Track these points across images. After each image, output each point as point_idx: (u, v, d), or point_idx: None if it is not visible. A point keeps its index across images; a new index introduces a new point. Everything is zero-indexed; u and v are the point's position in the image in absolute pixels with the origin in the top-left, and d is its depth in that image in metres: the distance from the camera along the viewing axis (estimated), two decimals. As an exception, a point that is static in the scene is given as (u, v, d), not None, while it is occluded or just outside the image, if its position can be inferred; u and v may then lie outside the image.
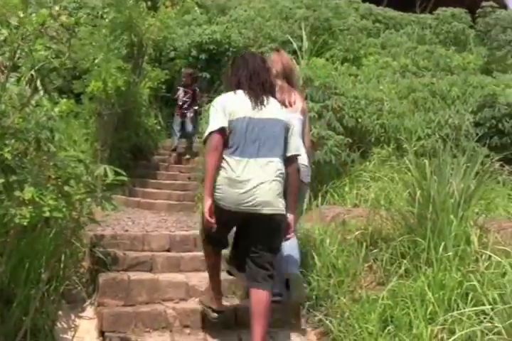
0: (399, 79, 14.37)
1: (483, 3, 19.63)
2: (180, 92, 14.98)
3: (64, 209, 4.95)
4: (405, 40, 18.93)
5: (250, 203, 5.14)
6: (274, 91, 5.68)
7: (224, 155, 5.21)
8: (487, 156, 10.20)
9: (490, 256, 5.90)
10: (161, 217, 9.72)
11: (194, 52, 16.29)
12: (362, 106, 11.10)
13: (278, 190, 5.23)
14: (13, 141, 4.97)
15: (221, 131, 5.19)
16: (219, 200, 5.21)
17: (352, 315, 5.83)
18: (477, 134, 11.61)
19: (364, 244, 6.90)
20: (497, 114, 11.81)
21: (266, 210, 5.17)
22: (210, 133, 5.20)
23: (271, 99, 5.49)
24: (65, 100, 5.94)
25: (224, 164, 5.21)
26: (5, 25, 5.14)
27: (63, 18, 5.23)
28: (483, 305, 5.27)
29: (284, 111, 5.60)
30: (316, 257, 6.81)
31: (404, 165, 8.37)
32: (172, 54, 16.56)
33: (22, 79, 5.58)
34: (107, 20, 13.09)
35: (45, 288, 5.55)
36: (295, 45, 14.92)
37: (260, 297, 5.27)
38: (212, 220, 5.13)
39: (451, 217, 6.25)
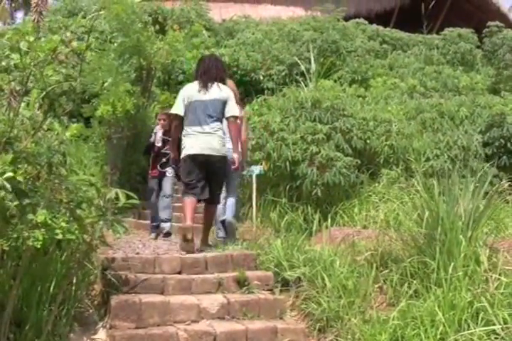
0: (407, 100, 14.41)
1: (490, 23, 19.64)
2: (158, 139, 10.53)
3: (76, 232, 5.00)
4: (413, 60, 18.99)
5: (204, 151, 8.12)
6: (222, 79, 8.54)
7: (184, 126, 8.35)
8: (496, 176, 10.23)
9: (500, 276, 5.92)
10: (171, 239, 9.74)
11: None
12: (370, 127, 11.12)
13: (220, 141, 8.23)
14: (25, 165, 5.03)
15: (180, 113, 8.38)
16: (187, 150, 8.23)
17: (363, 335, 5.83)
18: (486, 154, 11.63)
19: (374, 264, 6.93)
20: (505, 134, 11.82)
21: (215, 153, 8.17)
22: (176, 115, 8.50)
23: (214, 85, 8.30)
24: (75, 124, 6.00)
25: (186, 130, 8.31)
26: (16, 51, 5.22)
27: (74, 44, 5.30)
28: (494, 325, 5.29)
29: (222, 92, 8.29)
30: (326, 278, 6.83)
31: (413, 186, 8.40)
32: (181, 77, 16.63)
33: (33, 103, 5.63)
34: (115, 44, 13.19)
35: (57, 310, 5.58)
36: (303, 67, 15.05)
37: (211, 210, 8.66)
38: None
39: (460, 237, 6.27)
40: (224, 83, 8.51)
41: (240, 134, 8.82)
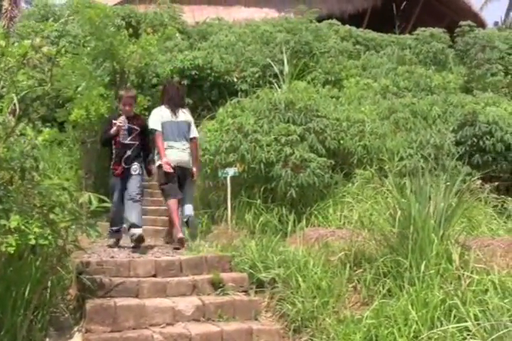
0: (380, 100, 14.43)
1: (462, 23, 19.74)
2: (123, 128, 9.28)
3: (50, 237, 5.01)
4: (385, 61, 19.01)
5: (180, 163, 9.48)
6: (183, 106, 10.13)
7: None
8: (469, 174, 10.30)
9: (472, 273, 5.99)
10: (146, 242, 9.74)
11: (176, 78, 16.35)
12: (344, 127, 11.15)
13: (189, 157, 9.65)
14: (-3, 170, 5.03)
15: (160, 129, 9.48)
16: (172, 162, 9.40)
17: (337, 335, 5.89)
18: (458, 153, 11.70)
19: (348, 264, 6.99)
20: (478, 132, 11.87)
21: (185, 165, 9.56)
22: (156, 130, 9.47)
23: (180, 110, 9.82)
24: (48, 129, 6.02)
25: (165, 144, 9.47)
26: (-13, 57, 5.22)
27: (44, 49, 5.31)
28: (466, 321, 5.35)
29: (186, 116, 9.86)
30: (300, 279, 6.88)
31: (386, 186, 8.46)
32: (154, 80, 16.58)
33: (5, 108, 5.63)
34: (88, 48, 13.17)
35: (32, 315, 5.58)
36: (276, 69, 15.08)
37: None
38: (171, 166, 9.28)
39: (432, 235, 6.34)
40: (183, 107, 10.19)
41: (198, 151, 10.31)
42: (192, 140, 9.84)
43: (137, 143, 9.40)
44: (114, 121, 9.31)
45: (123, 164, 9.28)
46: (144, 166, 9.58)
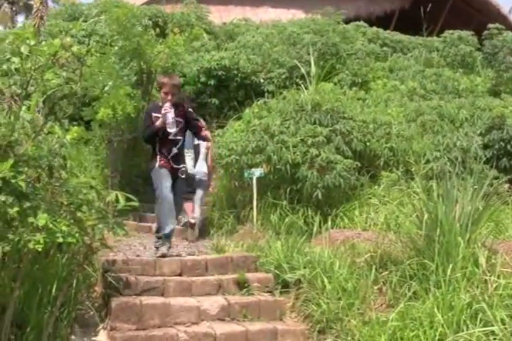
0: (407, 102, 14.39)
1: (490, 25, 19.62)
2: (170, 121, 8.29)
3: (77, 235, 5.03)
4: (413, 63, 18.94)
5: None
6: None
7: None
8: (496, 178, 10.23)
9: (498, 277, 5.95)
10: (171, 242, 9.76)
11: (203, 78, 16.36)
12: (370, 129, 11.13)
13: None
14: (26, 168, 5.06)
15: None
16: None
17: (362, 337, 5.87)
18: (486, 156, 11.63)
19: (373, 266, 6.96)
20: (505, 136, 11.81)
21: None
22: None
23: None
24: (76, 127, 6.04)
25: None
26: (17, 55, 5.25)
27: (74, 48, 5.33)
28: (492, 325, 5.32)
29: None
30: (326, 280, 6.87)
31: (412, 188, 8.43)
32: (181, 80, 16.68)
33: (33, 107, 5.66)
34: (116, 47, 13.21)
35: (58, 312, 5.61)
36: (303, 70, 15.05)
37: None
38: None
39: (459, 239, 6.30)
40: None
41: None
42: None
43: (182, 138, 8.57)
44: (154, 114, 8.34)
45: (172, 163, 8.41)
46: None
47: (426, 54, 19.75)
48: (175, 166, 8.41)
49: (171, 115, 8.23)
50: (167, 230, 8.04)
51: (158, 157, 8.40)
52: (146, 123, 8.58)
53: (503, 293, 5.76)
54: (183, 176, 8.56)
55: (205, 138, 8.99)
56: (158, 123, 8.26)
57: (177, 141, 8.47)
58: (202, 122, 9.38)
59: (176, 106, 8.42)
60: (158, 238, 8.19)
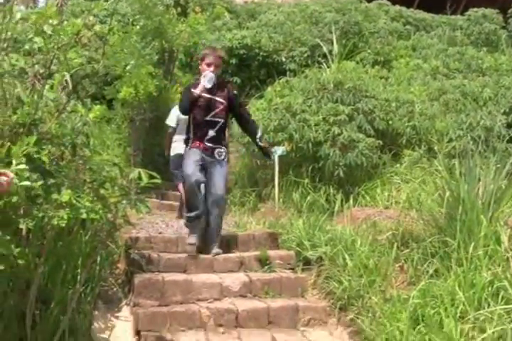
0: (430, 81, 14.33)
1: (515, 3, 19.50)
2: (209, 77, 7.57)
3: (100, 211, 5.07)
4: (436, 41, 18.84)
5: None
6: None
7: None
8: (519, 157, 10.18)
9: (521, 255, 5.94)
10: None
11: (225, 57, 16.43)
12: (393, 108, 11.10)
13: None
14: (50, 146, 5.10)
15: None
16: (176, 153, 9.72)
17: (383, 314, 5.88)
18: (509, 135, 11.57)
19: (395, 244, 6.97)
20: (530, 115, 11.78)
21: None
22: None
23: None
24: (98, 106, 6.07)
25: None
26: (40, 35, 5.28)
27: (97, 27, 5.36)
28: (514, 303, 5.32)
29: None
30: (347, 257, 6.88)
31: (434, 166, 8.41)
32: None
33: (56, 86, 5.69)
34: (137, 27, 13.23)
35: (81, 288, 5.67)
36: (325, 49, 14.98)
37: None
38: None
39: (481, 216, 6.28)
40: None
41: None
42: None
43: (222, 121, 7.71)
44: (193, 90, 7.58)
45: (206, 142, 7.63)
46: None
47: (449, 32, 19.64)
48: (210, 145, 7.59)
49: (210, 77, 7.49)
50: (192, 214, 7.49)
51: (190, 140, 7.70)
52: (183, 99, 7.79)
53: (525, 270, 5.77)
54: (222, 158, 7.65)
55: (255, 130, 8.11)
56: (198, 89, 7.52)
57: (215, 122, 7.62)
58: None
59: (218, 84, 7.73)
60: (188, 218, 7.59)
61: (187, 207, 7.62)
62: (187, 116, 7.93)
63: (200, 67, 7.93)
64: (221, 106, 7.69)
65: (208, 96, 7.61)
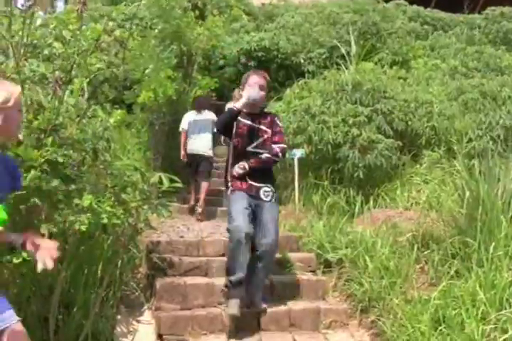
0: (448, 80, 14.31)
1: (534, 1, 19.44)
2: (255, 93, 6.47)
3: (121, 216, 5.11)
4: (454, 41, 18.80)
5: (198, 150, 11.19)
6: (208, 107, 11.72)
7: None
8: (539, 156, 10.15)
9: (542, 255, 5.94)
10: (214, 223, 9.85)
11: (243, 60, 16.47)
12: (411, 109, 11.09)
13: (208, 146, 11.29)
14: (71, 151, 5.15)
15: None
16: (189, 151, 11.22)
17: (404, 315, 5.89)
18: (529, 134, 11.55)
19: (415, 245, 6.97)
20: (549, 113, 11.73)
21: (202, 153, 11.19)
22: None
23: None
24: (118, 111, 6.11)
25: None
26: (60, 40, 5.33)
27: (117, 32, 5.40)
28: (536, 304, 5.32)
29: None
30: (368, 259, 6.89)
31: (454, 167, 8.41)
32: (221, 62, 16.74)
33: (77, 91, 5.74)
34: (156, 30, 13.28)
35: (104, 293, 5.71)
36: (343, 50, 15.01)
37: None
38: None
39: (501, 217, 6.28)
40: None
41: None
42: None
43: (261, 140, 6.52)
44: (234, 105, 6.60)
45: (249, 180, 6.44)
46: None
47: (467, 31, 19.59)
48: (254, 183, 6.42)
49: (255, 90, 6.45)
50: (233, 278, 6.18)
51: (230, 179, 6.52)
52: (222, 115, 6.86)
53: (547, 270, 5.76)
54: (268, 199, 6.42)
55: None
56: (238, 104, 6.45)
57: (259, 154, 6.47)
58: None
59: (262, 111, 6.72)
60: (229, 282, 6.25)
61: (229, 267, 6.27)
62: (218, 132, 7.73)
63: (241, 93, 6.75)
64: (265, 136, 6.54)
65: (250, 123, 6.52)
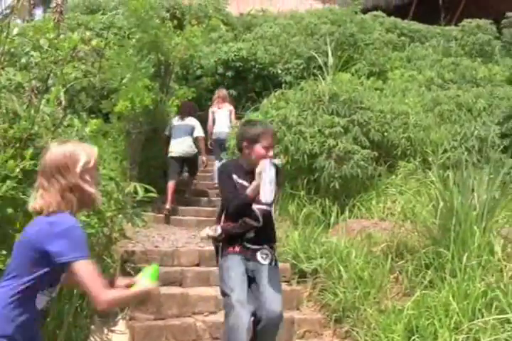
0: (424, 92, 14.38)
1: (509, 14, 19.55)
2: (267, 185, 4.97)
3: (96, 225, 5.11)
4: (431, 52, 18.89)
5: (180, 152, 12.03)
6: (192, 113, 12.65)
7: None
8: (514, 167, 10.22)
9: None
10: (190, 233, 9.85)
11: (221, 70, 16.47)
12: (388, 120, 11.12)
13: (191, 147, 12.30)
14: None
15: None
16: (171, 153, 12.06)
17: (378, 325, 5.93)
18: (503, 145, 11.63)
19: (389, 256, 7.02)
20: (523, 125, 11.83)
21: (185, 154, 12.09)
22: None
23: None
24: (95, 120, 6.12)
25: None
26: (37, 49, 5.34)
27: (93, 42, 5.41)
28: (507, 313, 5.36)
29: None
30: (342, 269, 6.93)
31: (429, 178, 8.46)
32: (199, 72, 16.74)
33: (53, 100, 5.74)
34: (134, 40, 13.28)
35: (78, 303, 5.70)
36: (320, 61, 15.03)
37: None
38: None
39: (474, 227, 6.33)
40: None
41: None
42: (196, 138, 12.43)
43: (268, 209, 5.25)
44: (236, 177, 5.32)
45: (244, 243, 5.27)
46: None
47: (444, 43, 19.70)
48: (250, 245, 5.27)
49: (270, 177, 4.99)
50: None
51: (221, 243, 5.37)
52: (227, 189, 5.34)
53: (519, 281, 5.82)
54: (266, 262, 5.24)
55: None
56: (249, 191, 5.11)
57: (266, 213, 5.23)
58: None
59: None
60: None
61: None
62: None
63: (244, 151, 5.36)
64: (274, 193, 5.15)
65: (246, 184, 5.24)
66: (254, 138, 5.23)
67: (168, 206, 11.54)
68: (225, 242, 5.28)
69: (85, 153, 3.31)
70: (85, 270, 3.04)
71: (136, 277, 3.43)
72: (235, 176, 5.29)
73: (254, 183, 5.05)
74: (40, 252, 3.07)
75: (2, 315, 3.07)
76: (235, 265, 5.16)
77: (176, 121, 12.60)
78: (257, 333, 5.07)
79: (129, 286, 3.33)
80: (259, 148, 5.20)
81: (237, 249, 5.23)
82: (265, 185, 4.94)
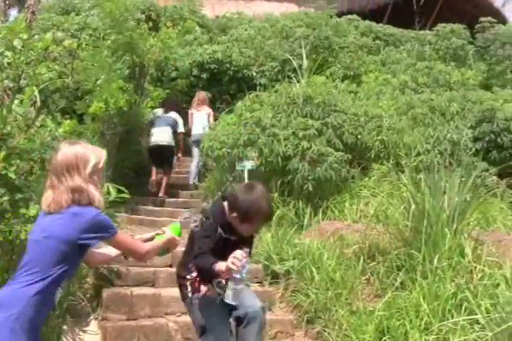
0: (398, 95, 14.44)
1: (482, 19, 19.69)
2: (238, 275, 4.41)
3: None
4: (405, 56, 18.97)
5: (159, 141, 12.66)
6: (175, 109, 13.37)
7: None
8: (486, 170, 10.30)
9: (484, 267, 6.05)
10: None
11: (195, 72, 16.44)
12: (361, 122, 11.17)
13: (170, 138, 12.89)
14: (18, 160, 5.13)
15: None
16: (151, 142, 12.76)
17: (350, 326, 5.97)
18: (476, 149, 11.73)
19: (361, 257, 7.06)
20: (495, 129, 11.91)
21: (163, 143, 12.68)
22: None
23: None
24: (68, 121, 6.11)
25: None
26: (10, 49, 5.32)
27: (66, 42, 5.41)
28: (477, 314, 5.42)
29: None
30: (314, 271, 6.96)
31: (402, 180, 8.52)
32: (174, 74, 16.70)
33: (26, 100, 5.73)
34: (108, 41, 13.25)
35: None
36: (295, 64, 15.07)
37: None
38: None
39: (446, 229, 6.39)
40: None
41: None
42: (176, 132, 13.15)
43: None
44: (221, 230, 4.81)
45: (215, 287, 4.89)
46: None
47: (418, 47, 19.80)
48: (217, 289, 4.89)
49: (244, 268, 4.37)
50: None
51: (198, 280, 4.96)
52: (202, 244, 4.74)
53: (488, 282, 5.87)
54: (234, 302, 4.68)
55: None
56: (222, 266, 4.43)
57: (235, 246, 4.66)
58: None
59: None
60: None
61: None
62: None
63: (233, 217, 4.72)
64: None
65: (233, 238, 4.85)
66: (246, 217, 4.64)
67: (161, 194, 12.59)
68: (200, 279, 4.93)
69: (95, 154, 3.54)
70: (123, 238, 3.68)
71: (164, 228, 4.30)
72: (220, 230, 4.80)
73: (223, 267, 4.40)
74: (72, 245, 3.33)
75: (24, 312, 3.22)
76: (215, 308, 4.82)
77: (159, 113, 13.26)
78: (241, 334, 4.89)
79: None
80: (244, 225, 4.69)
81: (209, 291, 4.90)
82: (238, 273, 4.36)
